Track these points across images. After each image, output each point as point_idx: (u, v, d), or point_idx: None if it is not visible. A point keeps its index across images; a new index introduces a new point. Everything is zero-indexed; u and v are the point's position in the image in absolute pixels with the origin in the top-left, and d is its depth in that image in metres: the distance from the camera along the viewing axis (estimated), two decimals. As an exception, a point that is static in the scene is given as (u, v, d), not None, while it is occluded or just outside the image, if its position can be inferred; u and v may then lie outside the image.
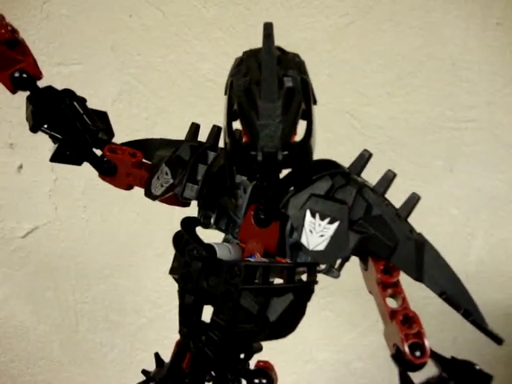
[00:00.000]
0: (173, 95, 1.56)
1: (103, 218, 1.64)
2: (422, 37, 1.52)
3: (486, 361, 1.58)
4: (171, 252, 1.65)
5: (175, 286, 1.71)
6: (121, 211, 1.63)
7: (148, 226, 1.63)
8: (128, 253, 1.66)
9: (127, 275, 1.68)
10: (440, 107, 1.55)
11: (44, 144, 1.56)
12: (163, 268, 1.66)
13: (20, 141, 1.61)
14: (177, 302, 1.74)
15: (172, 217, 1.54)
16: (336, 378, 1.72)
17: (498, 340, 0.61)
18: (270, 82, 0.56)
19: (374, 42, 1.53)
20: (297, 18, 1.53)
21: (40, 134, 1.58)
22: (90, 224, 1.64)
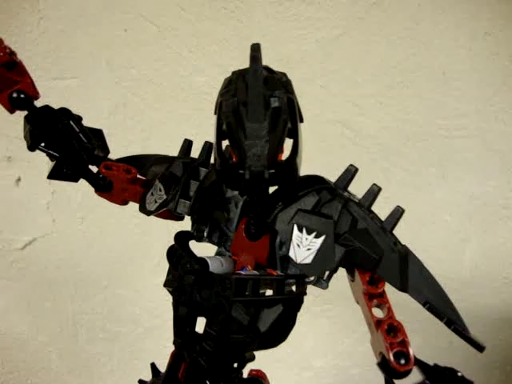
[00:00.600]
0: (167, 107, 1.59)
1: (100, 230, 1.65)
2: (412, 47, 1.55)
3: (482, 365, 1.61)
4: (167, 263, 1.66)
5: (171, 297, 1.72)
6: (118, 223, 1.64)
7: (145, 236, 1.65)
8: (125, 263, 1.67)
9: (125, 286, 1.69)
10: (431, 116, 1.58)
11: (42, 157, 1.58)
12: (160, 278, 1.68)
13: (18, 154, 1.63)
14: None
15: (168, 228, 1.56)
16: (332, 385, 1.73)
17: (479, 347, 0.63)
18: (257, 104, 0.58)
19: (365, 53, 1.56)
20: (289, 31, 1.55)
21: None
22: (87, 235, 1.66)
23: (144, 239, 1.65)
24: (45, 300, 1.70)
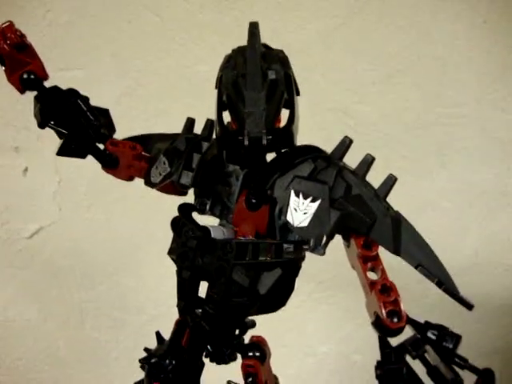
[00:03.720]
0: (171, 97, 1.61)
1: (106, 218, 1.67)
2: (411, 36, 1.57)
3: (482, 352, 1.62)
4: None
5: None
6: (123, 211, 1.66)
7: (150, 225, 1.67)
8: (131, 251, 1.69)
9: (130, 273, 1.71)
10: (431, 104, 1.60)
11: (48, 147, 1.63)
12: (165, 266, 1.70)
13: (25, 144, 1.65)
14: None
15: (173, 216, 1.59)
16: (336, 371, 1.73)
17: (468, 306, 0.66)
18: (255, 74, 0.63)
19: (365, 42, 1.57)
20: (290, 21, 1.58)
21: (45, 138, 1.63)
22: (93, 224, 1.68)
23: (149, 227, 1.67)
24: (52, 288, 1.72)
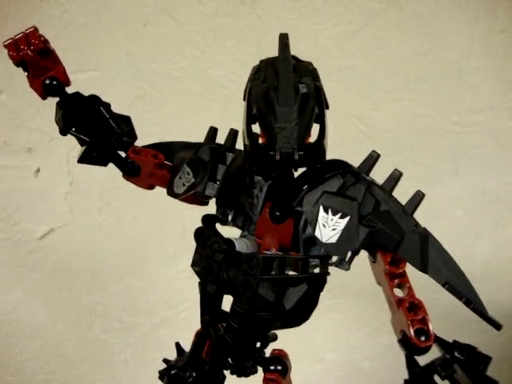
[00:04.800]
0: (186, 100, 1.61)
1: (117, 220, 1.68)
2: (428, 43, 1.56)
3: (492, 362, 1.61)
4: (183, 254, 1.69)
5: (187, 287, 1.74)
6: (135, 214, 1.66)
7: (161, 228, 1.67)
8: (141, 254, 1.69)
9: (140, 276, 1.71)
10: (445, 111, 1.59)
11: (60, 149, 1.63)
12: (175, 269, 1.71)
13: (37, 145, 1.65)
14: (189, 303, 1.77)
15: (184, 220, 1.59)
16: (344, 378, 1.74)
17: (497, 326, 0.66)
18: (287, 89, 0.62)
19: (381, 48, 1.57)
20: (306, 26, 1.57)
21: (57, 140, 1.63)
22: (104, 226, 1.68)
23: (160, 230, 1.68)
24: (62, 289, 1.72)
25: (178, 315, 1.72)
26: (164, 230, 1.69)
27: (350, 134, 1.60)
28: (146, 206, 1.63)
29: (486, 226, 1.64)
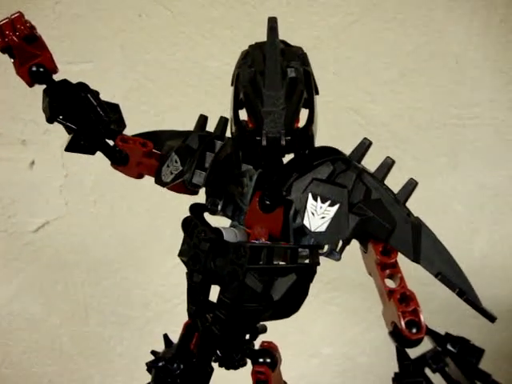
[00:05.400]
0: (181, 92, 1.60)
1: (113, 213, 1.67)
2: (426, 35, 1.55)
3: (490, 356, 1.60)
4: (178, 247, 1.68)
5: (182, 281, 1.73)
6: (129, 206, 1.66)
7: (156, 221, 1.67)
8: (136, 247, 1.69)
9: (135, 270, 1.70)
10: (443, 104, 1.58)
11: (55, 141, 1.61)
12: (171, 263, 1.70)
13: (32, 138, 1.65)
14: (184, 297, 1.76)
15: (180, 213, 1.57)
16: (341, 373, 1.73)
17: (491, 318, 0.64)
18: (274, 72, 0.60)
19: (378, 40, 1.56)
20: (302, 17, 1.56)
21: (52, 132, 1.62)
22: (99, 219, 1.68)
23: (155, 224, 1.67)
24: (57, 283, 1.72)
25: (173, 309, 1.71)
26: (159, 222, 1.68)
27: (347, 127, 1.59)
28: (141, 198, 1.63)
29: (484, 220, 1.62)
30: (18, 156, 1.66)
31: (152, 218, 1.66)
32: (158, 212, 1.66)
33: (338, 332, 1.71)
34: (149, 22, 1.58)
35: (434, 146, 1.60)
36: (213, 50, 1.57)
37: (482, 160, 1.60)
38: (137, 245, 1.69)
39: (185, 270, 1.42)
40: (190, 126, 1.36)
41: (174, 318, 1.71)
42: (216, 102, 1.59)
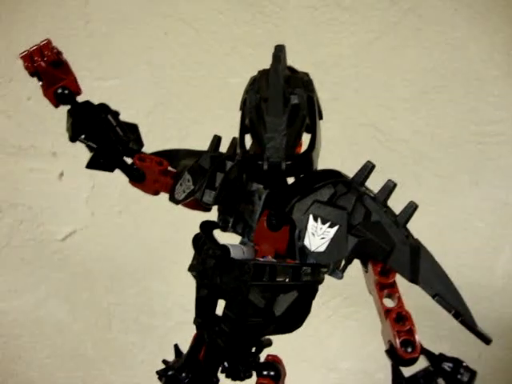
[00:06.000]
0: (204, 108, 1.64)
1: (136, 224, 1.71)
2: (447, 52, 1.55)
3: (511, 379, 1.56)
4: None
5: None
6: (154, 218, 1.69)
7: (178, 233, 1.69)
8: (159, 258, 1.72)
9: (158, 279, 1.73)
10: (465, 121, 1.57)
11: (84, 153, 1.67)
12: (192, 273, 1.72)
13: (62, 150, 1.71)
14: None
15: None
16: (357, 387, 1.73)
17: (486, 340, 0.65)
18: (276, 99, 0.64)
19: (399, 58, 1.57)
20: (324, 35, 1.58)
21: (80, 145, 1.68)
22: (124, 229, 1.72)
23: (178, 235, 1.69)
24: (82, 290, 1.76)
25: (192, 319, 1.74)
26: (181, 234, 1.69)
27: (367, 143, 1.60)
28: (165, 211, 1.64)
29: (507, 238, 1.60)
30: (49, 167, 1.72)
31: (175, 229, 1.69)
32: (181, 224, 1.68)
33: (357, 347, 1.70)
34: (174, 39, 1.63)
35: (455, 163, 1.59)
36: (235, 67, 1.61)
37: (504, 177, 1.58)
38: (159, 255, 1.72)
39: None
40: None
41: (193, 328, 1.73)
42: (237, 117, 1.63)
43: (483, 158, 1.58)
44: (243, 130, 0.69)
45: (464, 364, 0.62)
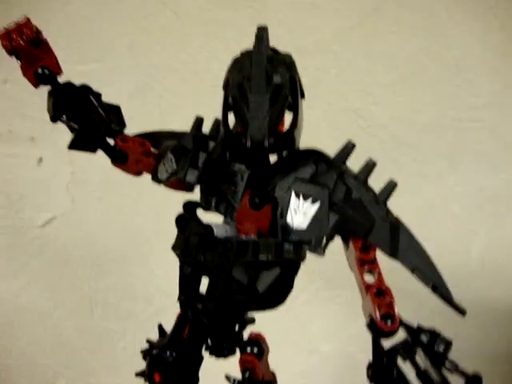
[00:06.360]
0: (185, 92, 1.63)
1: (118, 210, 1.70)
2: (426, 38, 1.57)
3: (486, 357, 1.62)
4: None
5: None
6: (135, 203, 1.69)
7: (160, 218, 1.68)
8: (140, 244, 1.71)
9: (139, 265, 1.73)
10: (443, 107, 1.60)
11: (63, 138, 1.64)
12: (174, 259, 1.72)
13: (41, 135, 1.68)
14: None
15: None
16: (339, 369, 1.74)
17: (461, 311, 0.68)
18: (259, 78, 0.65)
19: (379, 44, 1.58)
20: (305, 20, 1.59)
21: (60, 129, 1.66)
22: (104, 215, 1.71)
23: (159, 220, 1.68)
24: (62, 276, 1.75)
25: (175, 304, 1.73)
26: (163, 220, 1.68)
27: (348, 128, 1.61)
28: (146, 196, 1.65)
29: (483, 222, 1.63)
30: (27, 152, 1.70)
31: (156, 214, 1.68)
32: (163, 209, 1.67)
33: (337, 329, 1.72)
34: (154, 23, 1.62)
35: (434, 148, 1.61)
36: (217, 52, 1.60)
37: (480, 163, 1.61)
38: (140, 241, 1.71)
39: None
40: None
41: (175, 314, 1.74)
42: (219, 102, 1.63)
43: (461, 143, 1.61)
44: (226, 108, 0.71)
45: (440, 335, 0.65)
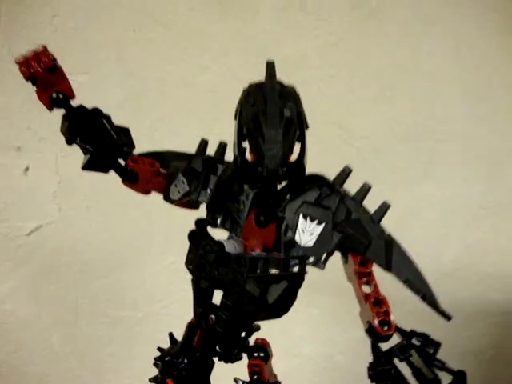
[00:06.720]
0: (173, 104, 1.67)
1: (104, 219, 1.72)
2: (404, 52, 1.65)
3: (457, 354, 1.71)
4: (169, 251, 1.72)
5: (172, 282, 1.77)
6: (122, 213, 1.71)
7: (147, 226, 1.71)
8: (128, 251, 1.74)
9: (126, 272, 1.75)
10: (419, 118, 1.68)
11: (50, 148, 1.66)
12: (160, 266, 1.76)
13: (27, 144, 1.70)
14: (173, 298, 1.80)
15: (170, 217, 1.64)
16: (319, 371, 1.81)
17: (447, 317, 0.79)
18: (274, 114, 0.74)
19: (361, 59, 1.66)
20: (289, 35, 1.65)
21: (46, 139, 1.66)
22: (91, 224, 1.73)
23: (146, 228, 1.72)
24: (49, 284, 1.76)
25: (162, 310, 1.75)
26: (150, 229, 1.72)
27: (330, 140, 1.67)
28: (133, 205, 1.66)
29: (454, 227, 1.72)
30: (13, 162, 1.70)
31: (143, 222, 1.71)
32: (149, 219, 1.70)
33: (318, 333, 1.78)
34: (143, 36, 1.64)
35: (410, 159, 1.69)
36: (205, 63, 1.64)
37: (454, 172, 1.70)
38: (128, 248, 1.73)
39: (175, 273, 1.49)
40: (181, 135, 1.41)
41: (162, 319, 1.74)
42: (206, 112, 1.66)
43: (436, 154, 1.69)
44: (240, 137, 0.78)
45: (430, 337, 0.77)
